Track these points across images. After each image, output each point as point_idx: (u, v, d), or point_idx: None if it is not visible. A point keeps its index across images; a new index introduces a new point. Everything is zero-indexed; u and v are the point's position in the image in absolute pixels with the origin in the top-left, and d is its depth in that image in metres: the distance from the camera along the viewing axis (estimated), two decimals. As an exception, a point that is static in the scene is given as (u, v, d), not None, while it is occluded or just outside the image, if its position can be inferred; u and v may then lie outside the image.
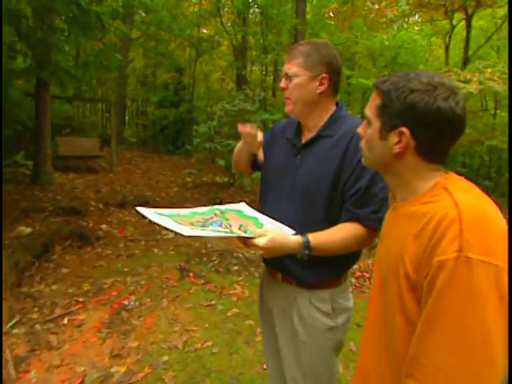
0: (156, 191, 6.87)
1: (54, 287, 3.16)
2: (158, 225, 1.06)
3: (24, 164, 6.65)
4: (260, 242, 1.03)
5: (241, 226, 1.18)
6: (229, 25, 12.87)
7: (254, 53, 12.90)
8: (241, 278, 3.66)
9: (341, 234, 1.12)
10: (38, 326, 2.57)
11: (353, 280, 3.68)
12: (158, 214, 1.14)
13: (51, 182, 6.16)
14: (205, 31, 13.87)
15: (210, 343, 2.56)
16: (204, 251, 4.29)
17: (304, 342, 1.23)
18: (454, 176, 0.80)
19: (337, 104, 1.27)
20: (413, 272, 0.72)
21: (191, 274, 3.60)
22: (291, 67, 1.20)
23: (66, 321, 2.65)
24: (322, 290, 1.23)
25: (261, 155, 1.42)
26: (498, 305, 0.63)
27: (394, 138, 0.78)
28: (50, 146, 6.23)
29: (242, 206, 1.35)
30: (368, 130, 0.85)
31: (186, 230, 1.03)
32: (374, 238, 1.15)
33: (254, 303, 3.09)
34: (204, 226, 1.15)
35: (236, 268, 3.88)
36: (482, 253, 0.64)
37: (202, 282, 3.48)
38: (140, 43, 13.43)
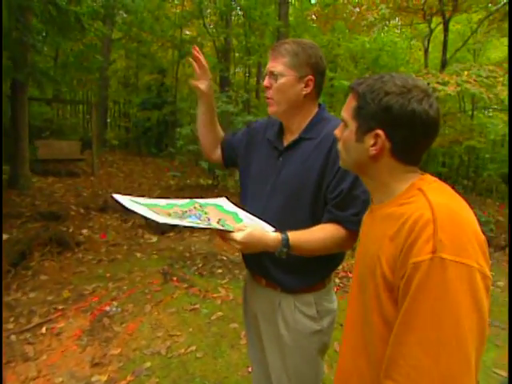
0: (139, 194, 6.76)
1: (31, 295, 3.06)
2: (133, 212, 1.03)
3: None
4: (238, 236, 1.01)
5: (220, 220, 1.16)
6: (211, 26, 12.83)
7: (237, 54, 12.91)
8: (225, 280, 3.63)
9: (320, 234, 1.12)
10: (13, 337, 2.47)
11: (337, 280, 3.70)
12: (134, 202, 1.11)
13: (29, 187, 5.99)
14: (187, 33, 13.78)
15: (193, 348, 2.53)
16: (188, 254, 4.24)
17: (289, 347, 1.23)
18: (428, 177, 0.82)
19: (319, 105, 1.26)
20: (389, 273, 0.73)
21: (174, 278, 3.56)
22: (277, 65, 1.16)
23: (44, 330, 2.57)
24: (306, 294, 1.22)
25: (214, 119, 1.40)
26: (471, 304, 0.64)
27: (369, 140, 0.79)
28: (27, 149, 6.05)
29: (222, 201, 1.33)
30: (345, 132, 0.86)
31: (162, 218, 1.00)
32: (354, 240, 1.14)
33: (238, 306, 3.07)
34: (182, 217, 1.12)
35: (220, 271, 3.84)
36: (455, 253, 0.65)
37: (186, 285, 3.44)
38: (122, 44, 13.24)
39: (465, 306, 0.64)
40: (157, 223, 0.97)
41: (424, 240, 0.66)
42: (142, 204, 1.12)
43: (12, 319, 2.69)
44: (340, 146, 0.89)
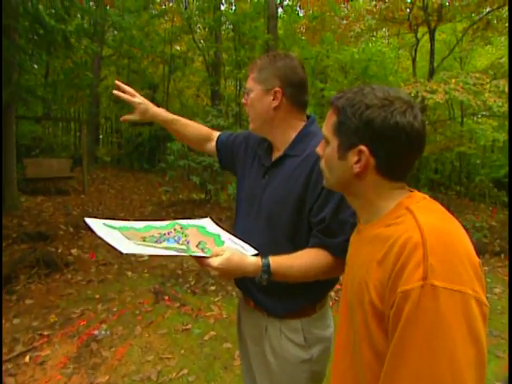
0: (130, 211, 6.66)
1: (15, 321, 2.93)
2: (101, 239, 0.96)
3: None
4: (214, 261, 0.94)
5: (199, 243, 1.10)
6: (201, 41, 12.94)
7: (227, 68, 13.00)
8: (218, 298, 3.53)
9: (306, 260, 1.04)
10: (-6, 368, 2.36)
11: (332, 293, 3.62)
12: (108, 226, 1.05)
13: (17, 207, 5.87)
14: (177, 48, 13.88)
15: (185, 371, 2.43)
16: (180, 272, 4.14)
17: (277, 374, 1.15)
18: (417, 194, 0.77)
19: (308, 118, 1.20)
20: (378, 300, 0.67)
21: (166, 297, 3.46)
22: (248, 81, 1.17)
23: (27, 359, 2.44)
24: (293, 320, 1.14)
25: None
26: (466, 335, 0.58)
27: (353, 157, 0.75)
28: (14, 169, 5.95)
29: (206, 222, 1.27)
30: (326, 150, 0.81)
31: (126, 247, 0.93)
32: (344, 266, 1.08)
33: (231, 325, 2.98)
34: (157, 241, 1.06)
35: (213, 288, 3.75)
36: (447, 280, 0.59)
37: (178, 304, 3.34)
38: (112, 61, 13.29)
39: (460, 338, 0.58)
40: (120, 253, 0.90)
41: (413, 266, 0.61)
42: (116, 228, 1.06)
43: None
44: (322, 164, 0.84)
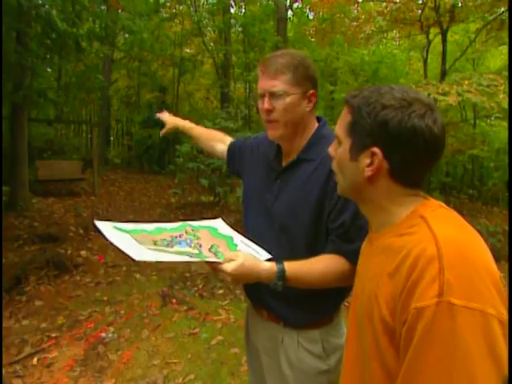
0: (139, 213, 6.69)
1: (24, 322, 2.95)
2: (112, 244, 0.93)
3: None
4: (228, 267, 0.91)
5: (212, 246, 1.07)
6: (211, 44, 12.99)
7: (236, 71, 13.02)
8: (226, 302, 3.50)
9: (321, 266, 1.00)
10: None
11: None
12: (118, 229, 1.03)
13: (28, 208, 5.95)
14: (187, 51, 13.98)
15: (192, 376, 2.40)
16: (188, 275, 4.13)
17: None
18: (433, 202, 0.72)
19: (319, 120, 1.15)
20: (389, 316, 0.63)
21: (174, 300, 3.45)
22: (278, 84, 1.03)
23: (35, 361, 2.45)
24: (311, 330, 1.10)
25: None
26: (486, 356, 0.54)
27: (365, 159, 0.70)
28: (26, 171, 6.04)
29: (218, 223, 1.24)
30: (338, 150, 0.77)
31: (139, 254, 0.90)
32: None
33: (239, 329, 2.95)
34: (169, 244, 1.03)
35: (221, 291, 3.72)
36: (465, 297, 0.55)
37: (185, 308, 3.32)
38: (123, 64, 13.45)
39: (480, 360, 0.53)
40: (132, 260, 0.87)
41: (428, 281, 0.56)
42: (127, 231, 1.04)
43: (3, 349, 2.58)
44: (334, 165, 0.80)
